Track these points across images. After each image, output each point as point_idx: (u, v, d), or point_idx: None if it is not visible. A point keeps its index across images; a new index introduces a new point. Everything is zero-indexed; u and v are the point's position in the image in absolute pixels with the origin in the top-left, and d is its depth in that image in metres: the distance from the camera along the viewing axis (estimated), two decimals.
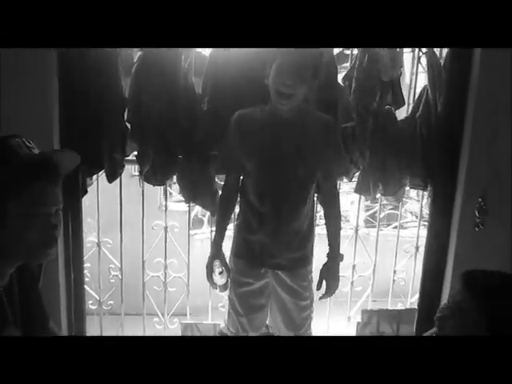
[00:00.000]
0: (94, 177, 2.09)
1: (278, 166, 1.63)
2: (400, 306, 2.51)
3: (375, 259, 2.42)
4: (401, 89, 2.11)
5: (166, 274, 2.33)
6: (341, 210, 1.83)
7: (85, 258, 2.17)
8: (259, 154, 1.63)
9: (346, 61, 2.27)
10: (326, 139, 1.65)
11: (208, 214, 3.77)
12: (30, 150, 1.03)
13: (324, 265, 1.79)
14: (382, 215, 3.38)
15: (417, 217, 4.99)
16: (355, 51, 2.14)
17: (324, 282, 1.78)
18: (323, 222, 1.91)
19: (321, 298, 1.82)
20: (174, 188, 3.77)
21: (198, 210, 3.55)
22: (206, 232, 3.56)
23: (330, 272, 1.78)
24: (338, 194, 1.82)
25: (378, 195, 2.22)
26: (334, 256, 1.79)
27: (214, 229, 2.19)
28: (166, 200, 2.25)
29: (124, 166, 2.06)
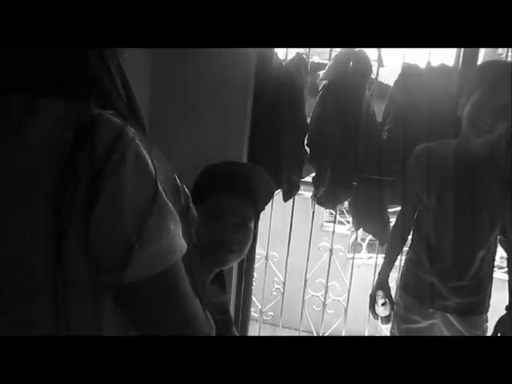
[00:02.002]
0: None
1: (460, 206, 1.55)
2: None
3: None
4: None
5: (326, 295, 2.38)
6: None
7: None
8: (441, 190, 1.58)
9: None
10: None
11: (368, 239, 3.74)
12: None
13: (501, 317, 1.65)
14: None
15: None
16: None
17: None
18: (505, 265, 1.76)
19: None
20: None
21: (357, 234, 3.53)
22: (364, 258, 3.53)
23: (507, 326, 1.63)
24: None
25: None
26: None
27: (371, 255, 2.18)
28: (334, 223, 2.31)
29: (299, 187, 2.17)
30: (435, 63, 1.98)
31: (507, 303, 1.66)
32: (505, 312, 1.66)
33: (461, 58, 1.98)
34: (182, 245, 0.59)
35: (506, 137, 1.66)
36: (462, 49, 1.99)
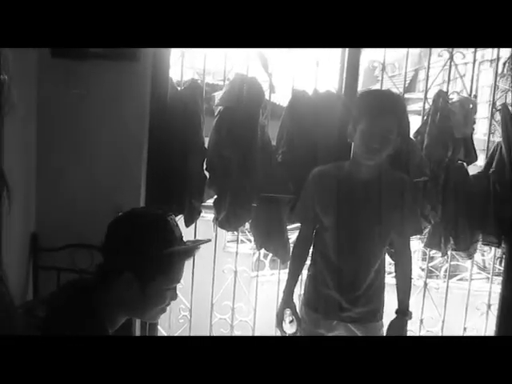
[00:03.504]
0: None
1: (354, 223, 1.68)
2: None
3: (444, 314, 2.37)
4: (473, 145, 2.12)
5: (232, 317, 2.39)
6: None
7: None
8: (336, 210, 1.69)
9: None
10: (402, 199, 1.69)
11: (269, 256, 3.84)
12: (178, 229, 1.12)
13: (392, 321, 1.79)
14: (445, 266, 3.31)
15: (480, 267, 4.80)
16: (426, 106, 2.19)
17: None
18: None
19: None
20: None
21: (260, 252, 3.61)
22: (267, 274, 3.62)
23: (398, 329, 1.77)
24: (411, 253, 1.83)
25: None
26: (403, 313, 1.79)
27: (274, 272, 2.24)
28: (237, 246, 2.34)
29: (201, 212, 2.18)
30: (321, 89, 2.13)
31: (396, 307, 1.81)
32: (395, 315, 1.81)
33: (343, 84, 2.15)
34: None
35: (389, 158, 1.84)
36: (344, 75, 2.16)
